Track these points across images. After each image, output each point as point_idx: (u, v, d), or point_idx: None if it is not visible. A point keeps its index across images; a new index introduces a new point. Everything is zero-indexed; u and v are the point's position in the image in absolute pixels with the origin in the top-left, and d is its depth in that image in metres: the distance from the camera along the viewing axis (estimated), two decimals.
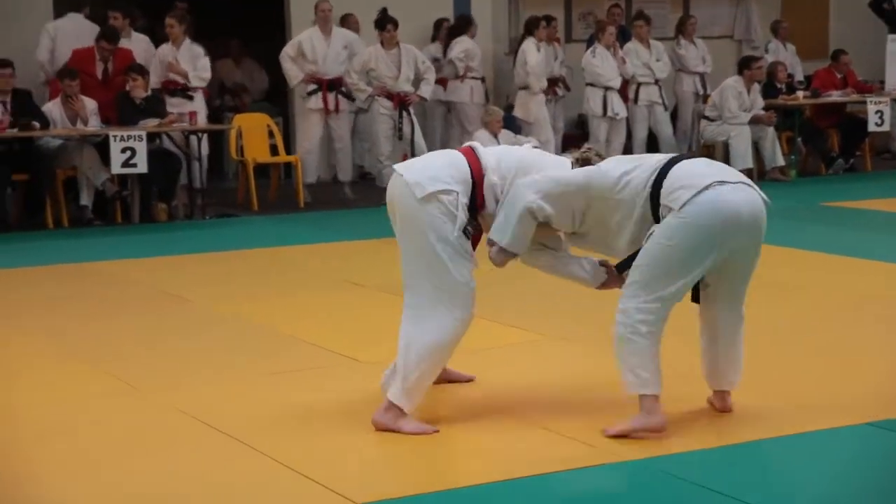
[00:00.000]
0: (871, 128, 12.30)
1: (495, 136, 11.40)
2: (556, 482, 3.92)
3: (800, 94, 12.52)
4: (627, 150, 12.66)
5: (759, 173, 12.06)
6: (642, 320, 4.22)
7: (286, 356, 5.67)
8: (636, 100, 12.61)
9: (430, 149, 11.49)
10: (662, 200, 4.24)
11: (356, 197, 11.52)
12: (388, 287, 7.18)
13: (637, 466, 4.02)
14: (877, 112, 12.18)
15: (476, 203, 4.39)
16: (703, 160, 4.51)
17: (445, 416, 4.63)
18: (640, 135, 12.67)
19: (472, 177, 4.37)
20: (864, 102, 12.32)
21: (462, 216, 4.31)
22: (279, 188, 11.68)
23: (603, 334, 5.87)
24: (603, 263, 4.61)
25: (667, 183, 4.24)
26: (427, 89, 11.43)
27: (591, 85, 12.38)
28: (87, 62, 10.74)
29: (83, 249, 9.03)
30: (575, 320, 6.24)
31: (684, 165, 4.31)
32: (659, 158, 4.37)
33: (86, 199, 10.25)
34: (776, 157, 12.09)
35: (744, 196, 4.24)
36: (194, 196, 10.72)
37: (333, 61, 11.23)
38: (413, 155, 11.26)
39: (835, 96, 12.60)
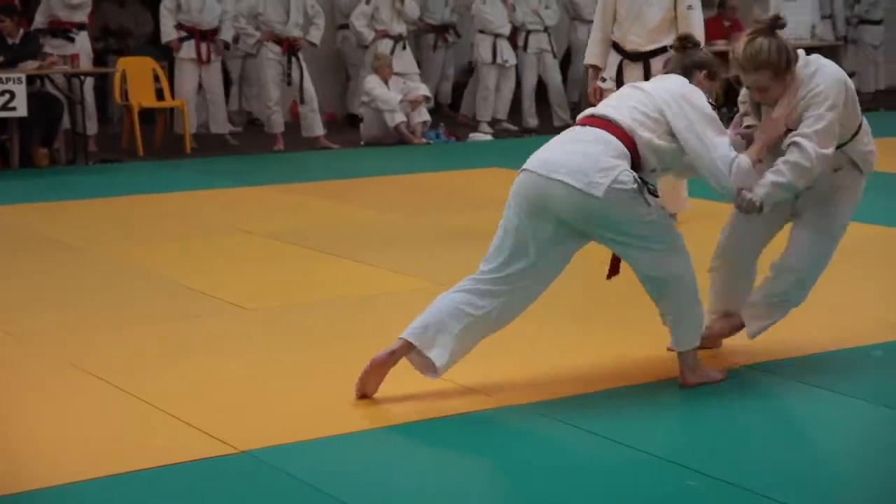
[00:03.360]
0: None
1: (385, 82, 11.37)
2: (443, 427, 3.95)
3: None
4: (517, 97, 12.72)
5: None
6: None
7: (173, 304, 5.61)
8: (525, 47, 12.64)
9: (319, 96, 11.39)
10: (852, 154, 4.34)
11: (239, 143, 11.41)
12: (277, 234, 7.15)
13: (523, 411, 4.08)
14: None
15: (636, 164, 4.08)
16: None
17: (333, 363, 4.64)
18: (530, 82, 12.73)
19: (625, 145, 4.03)
20: None
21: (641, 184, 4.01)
22: (165, 134, 11.49)
23: None
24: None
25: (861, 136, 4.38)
26: (316, 34, 11.31)
27: (481, 32, 12.38)
28: None
29: None
30: (464, 268, 6.28)
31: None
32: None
33: None
34: None
35: None
36: (77, 141, 10.49)
37: (209, 12, 11.05)
38: (302, 101, 11.15)
39: (719, 45, 12.78)
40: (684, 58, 4.33)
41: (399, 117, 11.33)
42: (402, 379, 4.42)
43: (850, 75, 15.75)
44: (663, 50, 6.73)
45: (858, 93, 15.55)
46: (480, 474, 3.62)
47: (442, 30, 13.50)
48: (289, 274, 6.24)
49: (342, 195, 8.69)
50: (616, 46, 6.93)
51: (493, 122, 12.45)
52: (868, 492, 3.45)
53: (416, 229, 7.37)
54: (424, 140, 11.50)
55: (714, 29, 13.08)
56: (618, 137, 4.04)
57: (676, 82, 4.21)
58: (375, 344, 4.88)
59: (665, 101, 4.10)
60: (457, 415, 4.04)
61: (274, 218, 7.81)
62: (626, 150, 4.03)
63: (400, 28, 12.05)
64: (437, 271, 6.13)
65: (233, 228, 7.43)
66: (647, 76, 6.70)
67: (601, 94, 6.96)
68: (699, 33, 6.68)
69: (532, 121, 12.65)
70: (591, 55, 7.08)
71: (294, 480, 3.51)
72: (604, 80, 6.95)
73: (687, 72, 4.28)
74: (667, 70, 4.36)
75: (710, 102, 4.19)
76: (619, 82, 6.77)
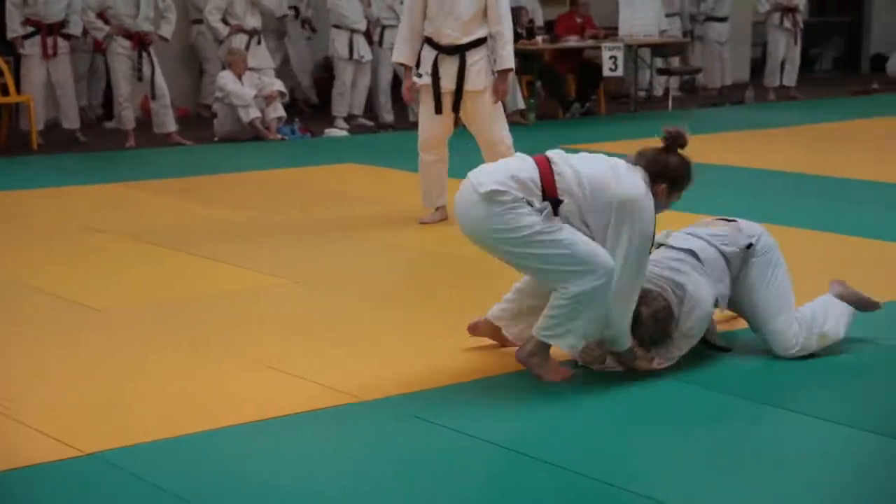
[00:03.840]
0: (606, 73, 12.74)
1: (239, 77, 11.24)
2: (295, 424, 3.94)
3: (539, 38, 12.85)
4: (373, 92, 12.72)
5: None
6: None
7: (19, 304, 5.46)
8: (381, 42, 12.65)
9: (172, 91, 11.20)
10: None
11: (89, 140, 11.16)
12: (129, 232, 7.01)
13: (376, 407, 4.09)
14: (611, 57, 12.63)
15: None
16: None
17: (184, 362, 4.58)
18: (386, 78, 12.73)
19: (544, 190, 4.13)
20: (599, 48, 12.76)
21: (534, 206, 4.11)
22: (10, 130, 11.16)
23: (341, 280, 5.95)
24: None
25: None
26: (168, 29, 11.10)
27: (337, 27, 12.34)
28: None
29: None
30: (321, 264, 6.27)
31: None
32: None
33: None
34: (517, 101, 12.39)
35: None
36: None
37: (54, 5, 10.79)
38: (153, 97, 10.96)
39: (572, 42, 12.99)
40: (660, 157, 4.29)
41: (253, 113, 11.22)
42: (251, 375, 4.39)
43: (697, 71, 16.05)
44: (479, 42, 6.84)
45: (705, 88, 15.90)
46: (332, 471, 3.61)
47: (299, 25, 13.43)
48: (140, 273, 6.13)
49: (195, 192, 8.58)
50: (430, 41, 6.90)
51: (349, 118, 12.43)
52: (705, 474, 3.57)
53: (270, 226, 7.32)
54: (279, 136, 11.41)
55: (567, 25, 13.31)
56: (545, 182, 4.12)
57: (642, 202, 4.14)
58: (229, 342, 4.84)
59: (619, 228, 4.12)
60: (309, 411, 4.03)
61: (125, 216, 7.66)
62: (538, 189, 4.12)
63: (255, 22, 11.93)
64: (293, 268, 6.10)
65: (82, 227, 7.26)
66: (462, 69, 6.82)
67: (417, 90, 7.05)
68: (507, 21, 6.89)
69: (388, 116, 12.67)
70: (400, 54, 7.01)
71: (140, 482, 3.45)
72: (419, 75, 6.98)
73: (655, 175, 4.26)
74: (639, 161, 4.28)
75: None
76: (436, 76, 6.84)
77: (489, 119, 6.96)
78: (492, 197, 4.10)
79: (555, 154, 4.26)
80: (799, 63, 14.93)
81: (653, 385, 4.28)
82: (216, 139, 11.34)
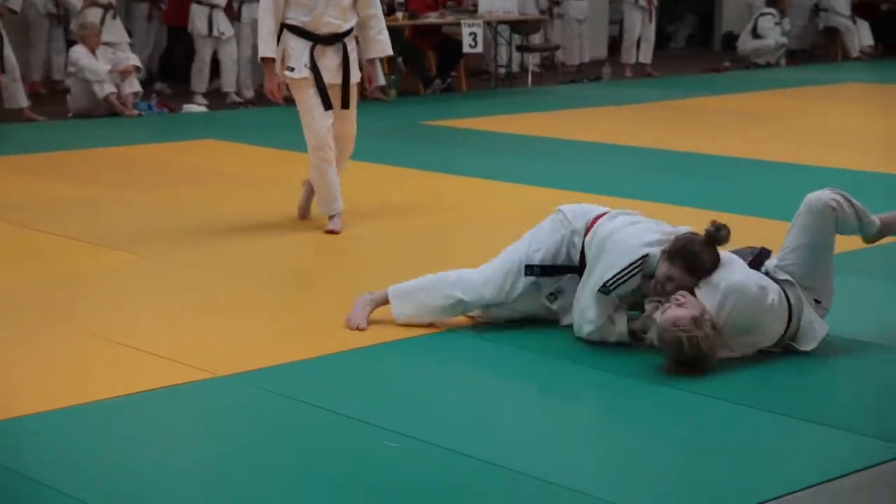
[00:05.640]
0: (466, 49, 12.81)
1: (93, 51, 11.00)
2: (151, 401, 3.91)
3: (399, 14, 12.84)
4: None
5: (360, 93, 12.29)
6: None
7: None
8: (240, 18, 12.49)
9: (22, 65, 10.87)
10: None
11: None
12: None
13: (230, 382, 4.08)
14: (470, 34, 12.69)
15: None
16: None
17: (33, 338, 4.49)
18: (246, 53, 12.58)
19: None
20: (459, 24, 12.81)
21: None
22: None
23: (200, 256, 5.90)
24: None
25: None
26: (17, 1, 10.79)
27: (197, 2, 12.14)
28: None
29: None
30: (172, 241, 6.20)
31: None
32: None
33: None
34: (378, 77, 12.36)
35: None
36: None
37: None
38: (3, 71, 10.62)
39: (432, 18, 13.02)
40: (688, 237, 4.32)
41: (108, 88, 10.99)
42: (107, 353, 4.34)
43: (555, 48, 16.14)
44: (352, 29, 6.32)
45: (564, 65, 15.96)
46: (186, 447, 3.60)
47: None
48: None
49: (50, 169, 8.38)
50: (300, 31, 6.19)
51: (223, 95, 12.25)
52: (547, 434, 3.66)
53: (129, 203, 7.20)
54: (136, 111, 11.20)
55: (424, 1, 13.32)
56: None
57: (631, 244, 4.35)
58: (85, 319, 4.76)
59: (606, 234, 4.44)
60: (164, 387, 4.00)
61: None
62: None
63: None
64: (152, 245, 6.02)
65: None
66: (346, 59, 6.26)
67: (287, 89, 6.43)
68: (378, 3, 6.42)
69: (247, 92, 12.54)
70: (269, 48, 6.17)
71: None
72: (292, 69, 6.20)
73: (677, 250, 4.27)
74: (675, 246, 4.30)
75: (658, 282, 4.29)
76: (315, 68, 6.20)
77: (354, 113, 6.46)
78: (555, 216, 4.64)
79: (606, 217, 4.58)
80: (654, 40, 15.25)
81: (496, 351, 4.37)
82: (70, 115, 11.08)
